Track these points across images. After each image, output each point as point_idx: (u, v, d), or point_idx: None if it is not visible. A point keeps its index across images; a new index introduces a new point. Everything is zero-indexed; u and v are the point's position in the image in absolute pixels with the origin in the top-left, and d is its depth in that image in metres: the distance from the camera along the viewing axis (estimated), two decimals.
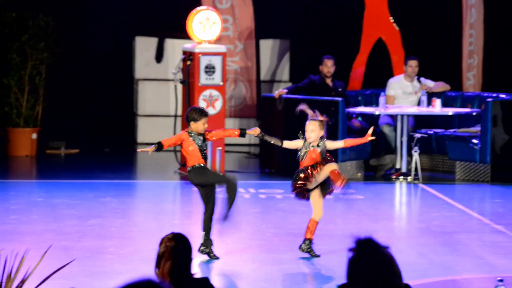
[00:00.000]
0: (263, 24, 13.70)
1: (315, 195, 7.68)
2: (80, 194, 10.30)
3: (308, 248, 7.71)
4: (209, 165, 7.82)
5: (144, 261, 7.44)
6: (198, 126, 7.61)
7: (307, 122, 7.73)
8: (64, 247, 7.93)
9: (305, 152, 7.68)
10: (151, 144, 7.74)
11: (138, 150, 7.79)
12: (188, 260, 4.27)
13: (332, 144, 7.76)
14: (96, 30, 14.09)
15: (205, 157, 7.72)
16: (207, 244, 7.62)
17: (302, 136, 7.72)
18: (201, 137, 7.67)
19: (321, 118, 7.73)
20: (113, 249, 7.96)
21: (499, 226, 8.96)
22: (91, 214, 9.30)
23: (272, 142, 7.85)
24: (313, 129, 7.65)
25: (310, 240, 7.71)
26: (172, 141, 7.84)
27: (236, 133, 7.80)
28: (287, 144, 7.77)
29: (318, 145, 7.65)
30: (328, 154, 7.68)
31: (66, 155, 13.09)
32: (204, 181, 7.63)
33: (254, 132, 7.77)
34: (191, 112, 7.69)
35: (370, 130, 7.80)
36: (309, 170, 7.59)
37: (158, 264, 4.24)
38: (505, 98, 11.66)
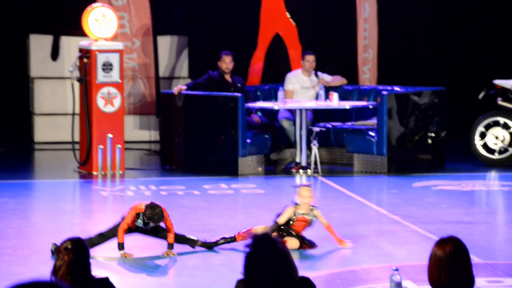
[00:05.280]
0: (160, 20, 13.65)
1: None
2: None
3: None
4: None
5: (42, 262, 7.33)
6: None
7: (302, 189, 7.81)
8: None
9: (293, 218, 7.80)
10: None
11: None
12: (87, 265, 4.24)
13: (321, 219, 7.86)
14: None
15: None
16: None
17: (292, 205, 7.81)
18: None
19: (307, 183, 7.92)
20: (10, 250, 7.82)
21: (395, 216, 9.16)
22: None
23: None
24: (311, 195, 7.82)
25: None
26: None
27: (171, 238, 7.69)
28: (283, 220, 7.81)
29: (307, 214, 7.81)
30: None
31: None
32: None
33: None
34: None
35: (349, 245, 7.81)
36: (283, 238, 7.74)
37: (55, 274, 4.19)
38: (399, 91, 11.92)
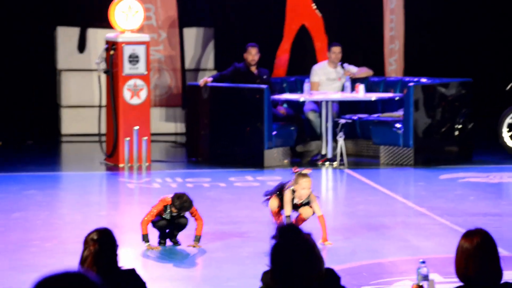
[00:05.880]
0: (186, 12, 13.66)
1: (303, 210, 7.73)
2: (4, 187, 10.14)
3: None
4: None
5: (69, 254, 7.37)
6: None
7: (303, 179, 7.59)
8: None
9: (292, 206, 7.71)
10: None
11: None
12: (114, 256, 4.26)
13: (315, 206, 7.68)
14: (16, 20, 13.86)
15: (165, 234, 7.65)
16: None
17: (291, 190, 7.68)
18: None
19: (306, 171, 7.69)
20: (38, 242, 7.87)
21: (422, 208, 9.12)
22: (15, 207, 9.17)
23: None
24: (310, 186, 7.63)
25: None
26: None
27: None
28: (289, 211, 7.68)
29: (301, 202, 7.69)
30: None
31: None
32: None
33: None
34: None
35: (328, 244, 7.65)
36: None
37: (82, 264, 4.21)
38: (426, 82, 11.86)
